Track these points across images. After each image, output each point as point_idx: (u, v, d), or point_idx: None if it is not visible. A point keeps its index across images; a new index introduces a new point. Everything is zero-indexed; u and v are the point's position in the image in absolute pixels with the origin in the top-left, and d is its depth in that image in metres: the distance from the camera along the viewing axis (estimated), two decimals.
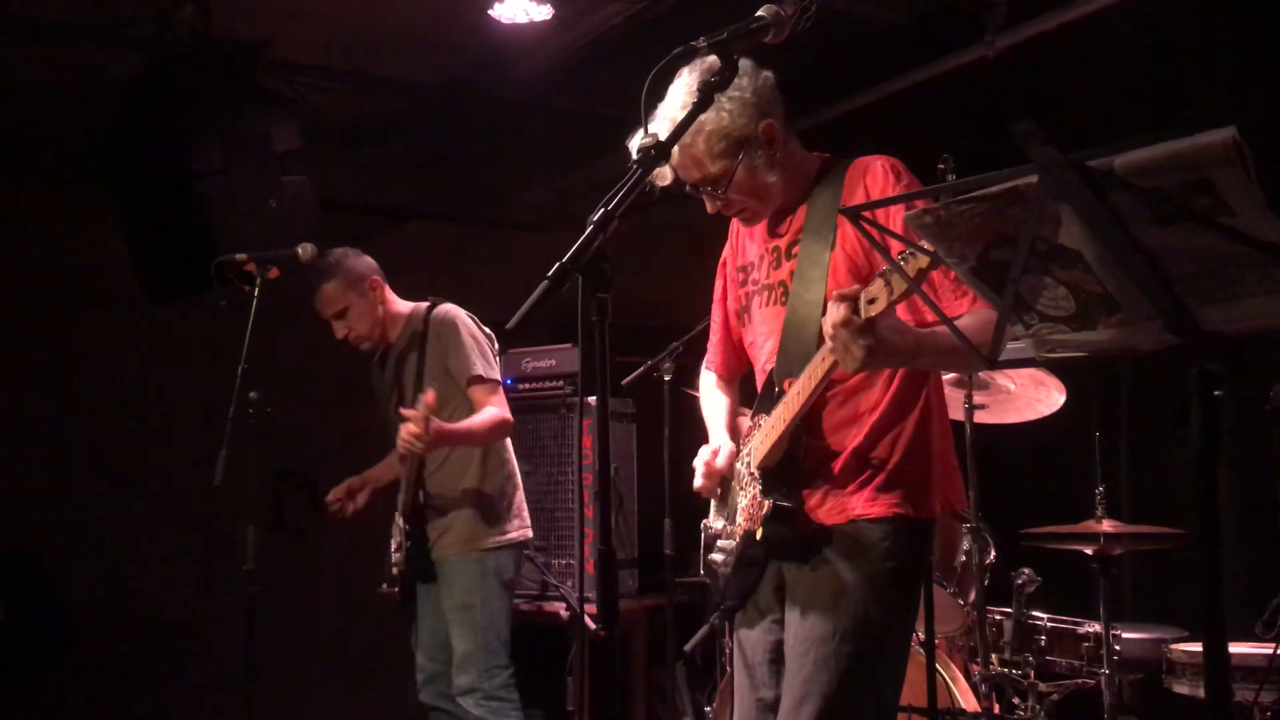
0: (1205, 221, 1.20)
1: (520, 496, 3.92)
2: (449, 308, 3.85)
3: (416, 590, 3.82)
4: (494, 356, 3.85)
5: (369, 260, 3.91)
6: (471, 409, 3.73)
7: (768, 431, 2.27)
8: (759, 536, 2.26)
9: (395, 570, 3.80)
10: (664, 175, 2.23)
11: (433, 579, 3.76)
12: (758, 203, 2.34)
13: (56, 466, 5.41)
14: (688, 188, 2.35)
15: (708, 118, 2.15)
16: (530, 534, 3.96)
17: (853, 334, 1.89)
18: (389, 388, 3.95)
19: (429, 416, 3.48)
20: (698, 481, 2.44)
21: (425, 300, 3.96)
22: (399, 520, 3.79)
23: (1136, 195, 1.23)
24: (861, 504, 2.23)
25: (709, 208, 2.36)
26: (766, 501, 2.24)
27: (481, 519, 3.76)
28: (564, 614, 4.61)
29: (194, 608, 5.43)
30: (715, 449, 2.44)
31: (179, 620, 5.50)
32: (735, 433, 2.53)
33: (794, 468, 2.25)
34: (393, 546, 3.84)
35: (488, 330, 3.89)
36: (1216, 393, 1.36)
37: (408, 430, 3.50)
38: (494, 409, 3.70)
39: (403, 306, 3.95)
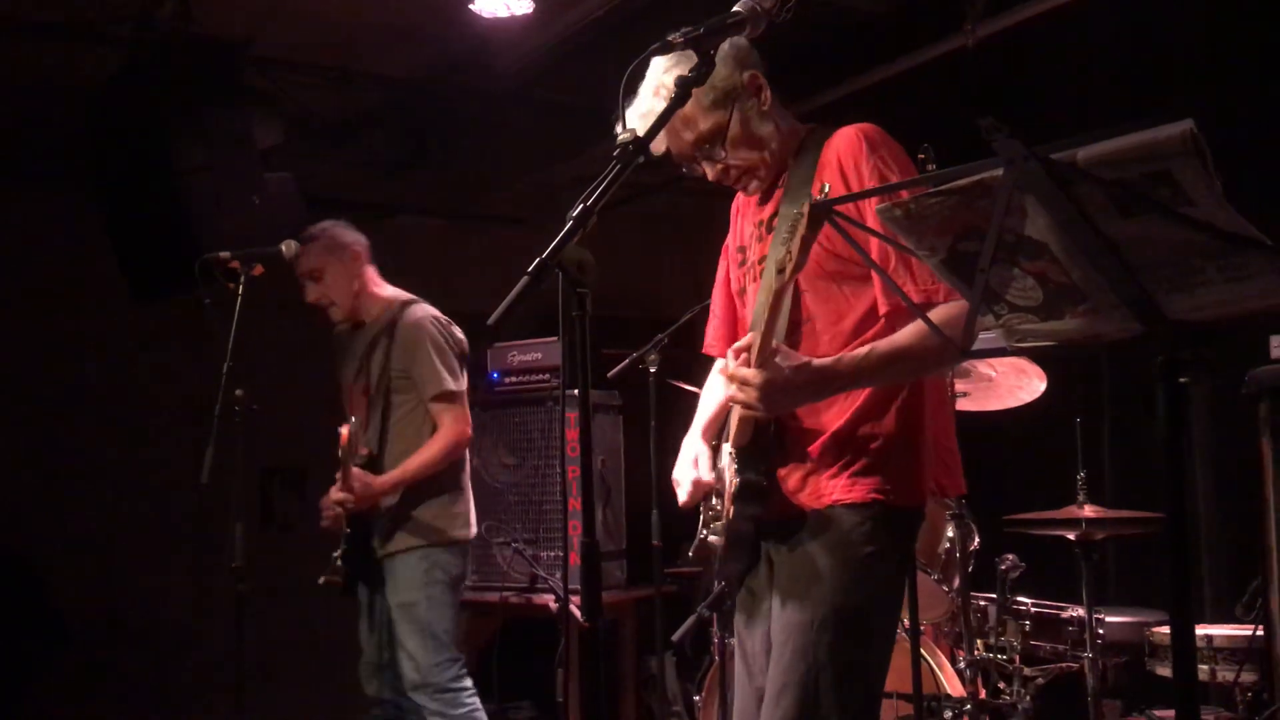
0: (1166, 212, 1.22)
1: (468, 495, 3.93)
2: (418, 314, 3.85)
3: (357, 585, 3.84)
4: (460, 361, 3.87)
5: (358, 235, 3.94)
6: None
7: (737, 408, 2.23)
8: (731, 516, 2.24)
9: (338, 563, 3.80)
10: (660, 146, 2.21)
11: (374, 579, 3.79)
12: (757, 156, 2.29)
13: (43, 466, 5.41)
14: (684, 167, 2.31)
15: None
16: (471, 532, 3.96)
17: (738, 386, 2.06)
18: (353, 368, 3.97)
19: (356, 483, 3.64)
20: (682, 496, 2.40)
21: (406, 293, 3.97)
22: (344, 520, 3.79)
23: (1099, 187, 1.25)
24: (839, 489, 2.19)
25: (710, 175, 2.30)
26: (736, 480, 2.22)
27: (428, 517, 3.77)
28: (553, 606, 4.63)
29: (183, 606, 5.44)
30: (695, 457, 2.41)
31: (168, 619, 5.50)
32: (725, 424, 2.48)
33: (765, 445, 2.21)
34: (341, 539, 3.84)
35: (458, 335, 3.90)
36: (1182, 380, 1.38)
37: (336, 498, 3.67)
38: (445, 432, 3.76)
39: (384, 290, 3.97)
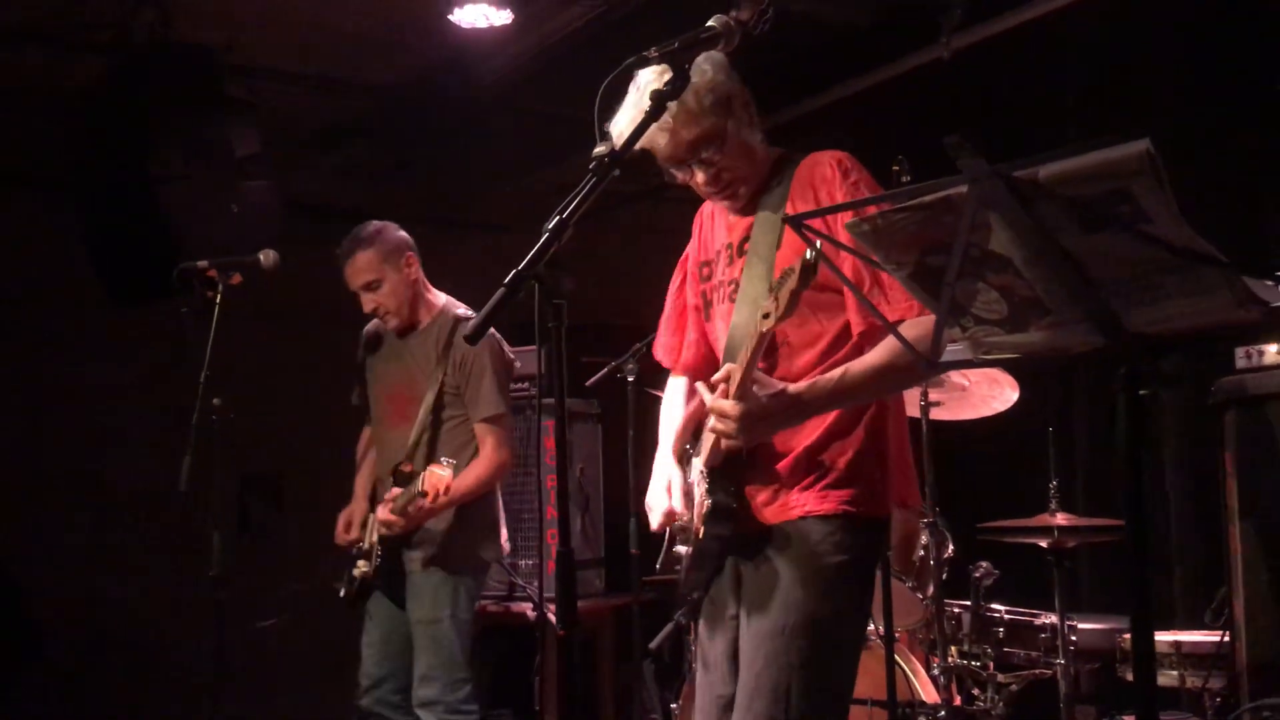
0: (1125, 228, 1.25)
1: (499, 515, 3.90)
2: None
3: (371, 597, 3.80)
4: (509, 378, 3.85)
5: (406, 235, 3.86)
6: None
7: (708, 430, 2.28)
8: (701, 536, 2.28)
9: (358, 574, 3.77)
10: (657, 145, 2.23)
11: (395, 593, 3.75)
12: (747, 166, 2.32)
13: (20, 473, 5.38)
14: (671, 173, 2.33)
15: (691, 81, 2.13)
16: (505, 551, 3.97)
17: (718, 418, 2.09)
18: (395, 373, 3.90)
19: (415, 510, 3.56)
20: (654, 523, 2.44)
21: (458, 302, 3.91)
22: (376, 537, 3.76)
23: (1060, 204, 1.28)
24: (811, 501, 2.23)
25: (701, 178, 2.32)
26: (707, 501, 2.26)
27: (461, 537, 3.73)
28: (531, 614, 4.64)
29: (161, 614, 5.41)
30: (667, 483, 2.44)
31: (146, 627, 5.48)
32: (694, 435, 2.51)
33: (737, 467, 2.25)
34: (360, 549, 3.81)
35: (510, 354, 3.87)
36: (1142, 391, 1.41)
37: (384, 519, 3.61)
38: (490, 454, 3.71)
39: (436, 296, 3.90)
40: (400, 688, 3.75)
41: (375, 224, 3.84)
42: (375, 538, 3.75)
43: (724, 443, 2.18)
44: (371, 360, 3.98)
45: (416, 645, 3.70)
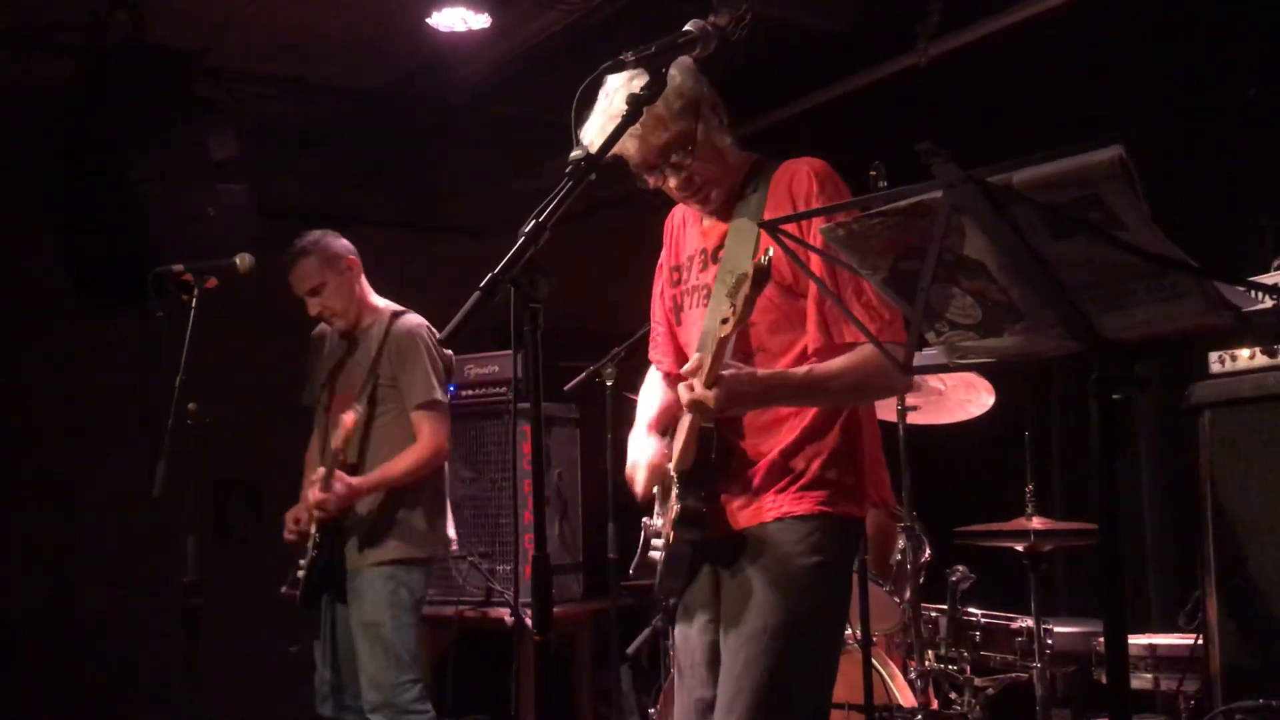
0: (1097, 234, 1.26)
1: (444, 511, 3.90)
2: (412, 322, 3.85)
3: (320, 599, 3.80)
4: (447, 375, 3.89)
5: (346, 242, 3.94)
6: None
7: (679, 434, 2.29)
8: (670, 540, 2.28)
9: (300, 574, 3.76)
10: (627, 150, 2.25)
11: (339, 594, 3.74)
12: (718, 169, 2.33)
13: None
14: (644, 179, 2.34)
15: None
16: (450, 549, 3.98)
17: (697, 408, 2.11)
18: (335, 373, 3.94)
19: (338, 483, 3.60)
20: (640, 485, 2.44)
21: (397, 304, 3.96)
22: (314, 528, 3.75)
23: (1033, 209, 1.29)
24: (787, 503, 2.25)
25: (674, 183, 2.33)
26: (676, 505, 2.26)
27: (399, 533, 3.73)
28: (508, 619, 4.62)
29: (135, 619, 5.38)
30: (635, 463, 2.45)
31: (120, 632, 5.44)
32: (669, 425, 2.51)
33: (707, 470, 2.26)
34: (306, 549, 3.80)
35: (446, 350, 3.91)
36: (1115, 396, 1.42)
37: (316, 499, 3.62)
38: (426, 440, 3.73)
39: (377, 300, 3.96)
40: (360, 692, 3.72)
41: (316, 233, 3.92)
42: (313, 528, 3.74)
43: (689, 436, 2.21)
44: (318, 363, 4.03)
45: (359, 649, 3.68)
